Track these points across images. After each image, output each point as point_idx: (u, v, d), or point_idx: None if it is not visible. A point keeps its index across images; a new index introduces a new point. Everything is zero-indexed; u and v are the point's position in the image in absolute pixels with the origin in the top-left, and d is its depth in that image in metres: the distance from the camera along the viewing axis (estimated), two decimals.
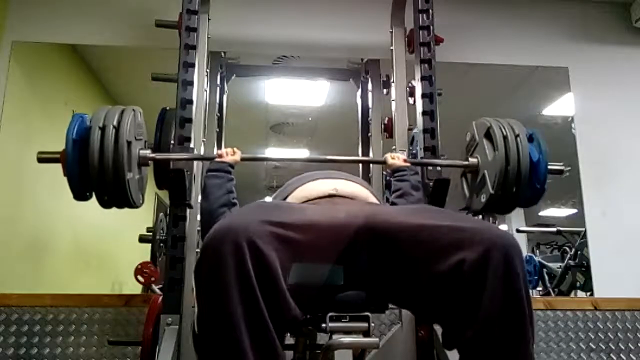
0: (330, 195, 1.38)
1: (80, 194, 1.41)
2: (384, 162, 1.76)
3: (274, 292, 0.98)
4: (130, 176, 1.41)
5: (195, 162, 1.78)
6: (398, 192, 1.63)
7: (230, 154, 1.61)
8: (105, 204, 1.43)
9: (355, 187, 1.44)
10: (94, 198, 1.44)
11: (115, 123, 1.39)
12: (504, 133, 1.51)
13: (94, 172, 1.36)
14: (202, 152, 1.97)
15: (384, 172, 2.40)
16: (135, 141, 1.45)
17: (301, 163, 3.00)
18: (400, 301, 1.28)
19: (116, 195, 1.40)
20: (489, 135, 1.55)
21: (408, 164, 1.70)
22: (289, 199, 1.41)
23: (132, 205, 1.46)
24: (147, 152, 1.53)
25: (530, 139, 1.54)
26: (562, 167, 1.59)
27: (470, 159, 1.62)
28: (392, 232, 1.13)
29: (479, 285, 1.03)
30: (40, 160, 1.46)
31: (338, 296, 1.14)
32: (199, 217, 1.94)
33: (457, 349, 1.09)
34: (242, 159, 1.63)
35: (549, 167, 1.53)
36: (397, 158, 1.73)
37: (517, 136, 1.50)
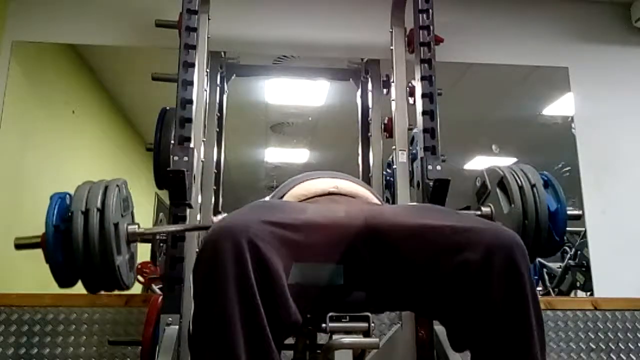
0: (331, 193, 1.37)
1: (65, 282, 1.33)
2: None
3: (273, 294, 0.97)
4: (120, 260, 1.32)
5: (195, 163, 1.78)
6: None
7: None
8: (93, 290, 1.35)
9: (355, 186, 1.44)
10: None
11: (99, 205, 1.29)
12: (519, 183, 1.45)
13: (79, 260, 1.27)
14: (202, 152, 1.97)
15: (384, 172, 2.40)
16: (122, 219, 1.36)
17: (302, 163, 3.02)
18: (402, 302, 1.27)
19: (106, 280, 1.32)
20: (502, 185, 1.50)
21: None
22: (286, 197, 1.40)
23: (123, 288, 1.38)
24: (135, 228, 1.42)
25: (546, 184, 1.48)
26: (579, 213, 1.52)
27: (483, 209, 1.56)
28: (393, 233, 1.12)
29: (483, 286, 1.02)
30: (18, 247, 1.37)
31: (338, 296, 1.14)
32: (198, 217, 1.94)
33: (469, 350, 1.07)
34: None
35: (568, 213, 1.47)
36: None
37: (533, 186, 1.44)
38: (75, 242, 1.26)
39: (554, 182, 1.50)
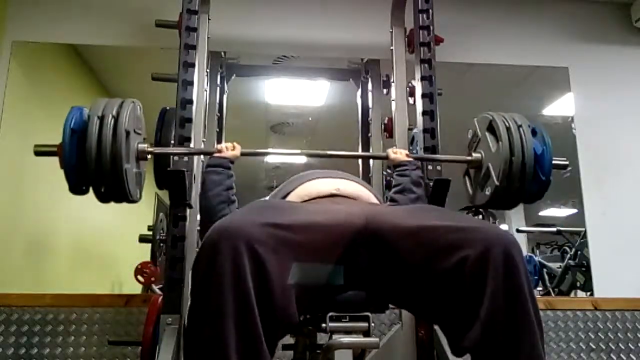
0: (332, 195, 1.37)
1: (76, 187, 1.39)
2: (385, 157, 1.75)
3: (270, 295, 0.98)
4: (128, 167, 1.39)
5: (195, 162, 1.78)
6: (398, 187, 1.63)
7: (229, 149, 1.60)
8: (102, 197, 1.41)
9: (357, 187, 1.44)
10: (91, 194, 1.41)
11: (114, 113, 1.37)
12: (507, 125, 1.50)
13: (91, 163, 1.34)
14: None
15: (385, 172, 2.40)
16: (134, 134, 1.44)
17: (302, 163, 3.01)
18: (401, 302, 1.27)
19: (113, 187, 1.38)
20: (491, 128, 1.55)
21: (410, 159, 1.69)
22: (289, 197, 1.41)
23: (130, 199, 1.44)
24: (146, 146, 1.51)
25: (534, 132, 1.53)
26: (566, 162, 1.58)
27: (473, 154, 1.61)
28: (392, 234, 1.12)
29: (480, 285, 1.02)
30: (37, 153, 1.45)
31: (338, 296, 1.14)
32: (198, 217, 1.94)
33: (469, 354, 1.07)
34: (242, 154, 1.62)
35: (554, 161, 1.51)
36: (399, 153, 1.72)
37: (519, 126, 1.50)
38: (89, 145, 1.33)
39: (542, 130, 1.55)
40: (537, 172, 1.49)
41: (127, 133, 1.38)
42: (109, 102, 1.41)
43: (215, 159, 1.57)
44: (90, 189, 1.41)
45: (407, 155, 1.71)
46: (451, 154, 1.74)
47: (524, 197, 1.54)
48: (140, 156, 1.50)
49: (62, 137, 1.36)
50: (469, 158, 1.62)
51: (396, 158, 1.70)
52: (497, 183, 1.48)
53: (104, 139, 1.34)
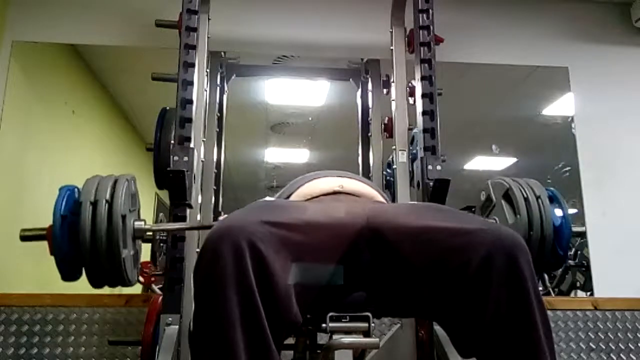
0: (335, 192, 1.37)
1: (69, 275, 1.32)
2: None
3: (273, 294, 0.97)
4: (126, 253, 1.32)
5: (195, 163, 1.78)
6: None
7: None
8: (97, 284, 1.34)
9: (361, 185, 1.43)
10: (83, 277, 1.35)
11: (108, 197, 1.29)
12: (525, 195, 1.45)
13: (85, 251, 1.26)
14: (202, 152, 1.97)
15: (384, 172, 2.40)
16: (130, 214, 1.36)
17: (302, 163, 3.01)
18: (402, 305, 1.26)
19: (110, 274, 1.32)
20: (507, 197, 1.49)
21: None
22: (292, 197, 1.40)
23: (127, 283, 1.37)
24: (142, 224, 1.43)
25: (551, 199, 1.47)
26: (583, 230, 1.54)
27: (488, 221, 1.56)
28: (394, 234, 1.11)
29: (484, 289, 1.00)
30: (24, 238, 1.37)
31: (338, 296, 1.14)
32: (198, 217, 1.94)
33: (475, 356, 1.06)
34: None
35: (572, 229, 1.46)
36: None
37: (538, 198, 1.44)
38: (83, 233, 1.26)
39: (559, 197, 1.49)
40: (556, 247, 1.44)
41: (123, 217, 1.30)
42: (101, 183, 1.33)
43: None
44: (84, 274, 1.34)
45: None
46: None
47: (540, 269, 1.48)
48: (137, 235, 1.42)
49: (52, 222, 1.29)
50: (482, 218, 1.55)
51: None
52: None
53: (98, 227, 1.26)
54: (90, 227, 1.26)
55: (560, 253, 1.44)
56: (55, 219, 1.28)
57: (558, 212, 1.47)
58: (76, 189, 1.33)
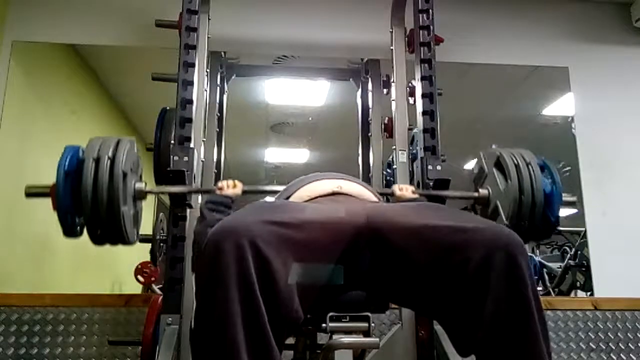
0: (334, 193, 1.37)
1: (71, 230, 1.34)
2: (391, 194, 1.69)
3: (275, 292, 0.98)
4: (126, 209, 1.34)
5: (195, 162, 1.78)
6: None
7: (231, 187, 1.55)
8: (97, 239, 1.36)
9: (358, 187, 1.44)
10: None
11: (110, 155, 1.32)
12: (516, 162, 1.46)
13: (87, 206, 1.28)
14: (202, 152, 1.97)
15: (384, 172, 2.40)
16: (131, 173, 1.39)
17: (302, 163, 3.02)
18: (403, 300, 1.27)
19: (110, 229, 1.34)
20: (499, 165, 1.51)
21: (416, 196, 1.64)
22: (292, 199, 1.41)
23: (126, 241, 1.39)
24: (142, 185, 1.46)
25: (541, 168, 1.49)
26: (574, 199, 1.54)
27: (480, 191, 1.57)
28: (394, 233, 1.12)
29: (483, 286, 1.01)
30: (29, 194, 1.40)
31: (338, 296, 1.14)
32: (195, 220, 1.94)
33: (474, 354, 1.07)
34: (244, 192, 1.56)
35: (563, 198, 1.47)
36: (405, 189, 1.66)
37: (528, 164, 1.45)
38: (84, 188, 1.29)
39: (550, 166, 1.51)
40: (546, 213, 1.45)
41: (124, 174, 1.33)
42: (104, 142, 1.36)
43: (217, 196, 1.52)
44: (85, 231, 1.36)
45: (413, 192, 1.65)
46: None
47: (532, 236, 1.50)
48: (138, 196, 1.45)
49: (56, 178, 1.31)
50: (476, 195, 1.57)
51: (402, 195, 1.63)
52: (506, 222, 1.44)
53: (100, 182, 1.29)
54: (92, 182, 1.29)
55: (551, 219, 1.46)
56: (59, 174, 1.31)
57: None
58: (80, 149, 1.37)
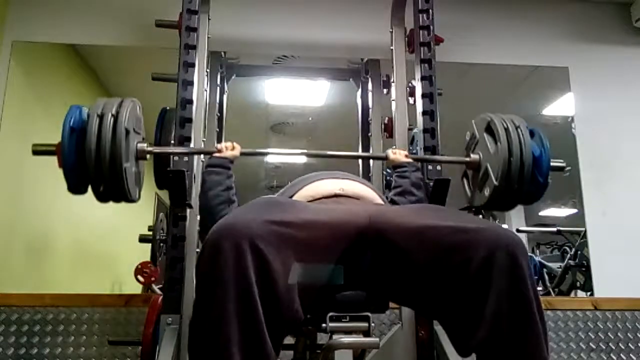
0: (336, 195, 1.38)
1: (75, 187, 1.38)
2: (385, 158, 1.75)
3: (273, 292, 0.98)
4: (128, 166, 1.38)
5: (195, 162, 1.78)
6: (398, 190, 1.63)
7: (229, 149, 1.60)
8: (101, 196, 1.40)
9: (361, 188, 1.44)
10: (90, 194, 1.40)
11: (113, 112, 1.36)
12: (505, 126, 1.50)
13: (90, 162, 1.33)
14: None
15: (385, 172, 2.40)
16: (134, 133, 1.43)
17: (302, 163, 3.01)
18: (404, 300, 1.27)
19: (112, 186, 1.37)
20: (489, 129, 1.54)
21: (409, 160, 1.69)
22: (295, 198, 1.41)
23: (128, 198, 1.43)
24: (145, 146, 1.50)
25: (532, 134, 1.53)
26: (563, 164, 1.58)
27: (471, 155, 1.61)
28: (396, 233, 1.12)
29: (484, 286, 1.02)
30: (36, 152, 1.44)
31: (338, 296, 1.14)
32: (198, 217, 1.94)
33: (474, 352, 1.07)
34: (242, 154, 1.62)
35: (552, 163, 1.52)
36: (399, 153, 1.72)
37: (517, 127, 1.49)
38: (88, 143, 1.32)
39: (539, 132, 1.54)
40: (535, 174, 1.49)
41: (127, 132, 1.37)
42: (108, 101, 1.41)
43: (215, 159, 1.57)
44: (89, 189, 1.40)
45: (406, 155, 1.70)
46: (451, 155, 1.74)
47: (522, 198, 1.54)
48: (140, 155, 1.49)
49: (61, 135, 1.35)
50: (468, 159, 1.62)
51: (395, 159, 1.69)
52: (495, 183, 1.48)
53: (103, 138, 1.33)
54: (96, 137, 1.33)
55: (540, 180, 1.49)
56: (64, 131, 1.35)
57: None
58: (84, 109, 1.40)
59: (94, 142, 1.33)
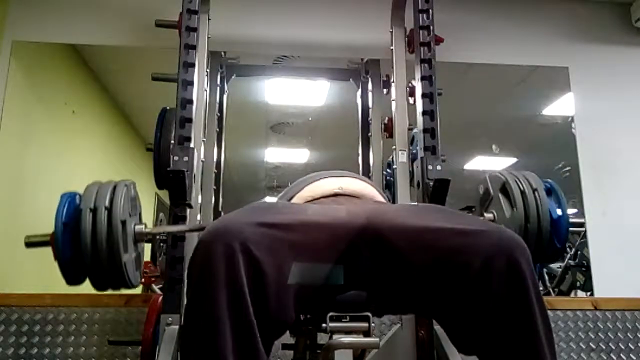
0: (335, 194, 1.37)
1: (73, 279, 1.33)
2: None
3: (265, 295, 0.98)
4: (127, 258, 1.33)
5: (195, 162, 1.78)
6: None
7: None
8: (100, 287, 1.35)
9: (361, 185, 1.44)
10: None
11: (107, 203, 1.30)
12: (522, 188, 1.45)
13: (87, 257, 1.28)
14: (202, 152, 1.97)
15: (385, 172, 2.40)
16: (130, 218, 1.37)
17: (302, 163, 3.01)
18: (403, 304, 1.26)
19: (113, 278, 1.33)
20: (505, 190, 1.50)
21: None
22: (294, 200, 1.41)
23: (130, 286, 1.38)
24: (142, 227, 1.43)
25: (549, 192, 1.48)
26: (582, 221, 1.54)
27: (486, 215, 1.56)
28: (395, 234, 1.11)
29: (485, 290, 1.01)
30: (29, 245, 1.39)
31: (338, 296, 1.14)
32: (198, 216, 1.94)
33: (477, 356, 1.06)
34: None
35: (570, 221, 1.47)
36: None
37: (535, 190, 1.44)
38: (84, 239, 1.27)
39: (556, 189, 1.49)
40: (553, 239, 1.43)
41: (123, 223, 1.31)
42: (100, 189, 1.33)
43: None
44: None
45: None
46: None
47: (537, 261, 1.48)
48: (138, 239, 1.43)
49: (54, 229, 1.31)
50: (482, 219, 1.56)
51: None
52: None
53: (99, 233, 1.27)
54: (90, 233, 1.27)
55: (558, 245, 1.44)
56: (57, 226, 1.30)
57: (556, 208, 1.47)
58: (77, 195, 1.34)
59: (89, 238, 1.27)
